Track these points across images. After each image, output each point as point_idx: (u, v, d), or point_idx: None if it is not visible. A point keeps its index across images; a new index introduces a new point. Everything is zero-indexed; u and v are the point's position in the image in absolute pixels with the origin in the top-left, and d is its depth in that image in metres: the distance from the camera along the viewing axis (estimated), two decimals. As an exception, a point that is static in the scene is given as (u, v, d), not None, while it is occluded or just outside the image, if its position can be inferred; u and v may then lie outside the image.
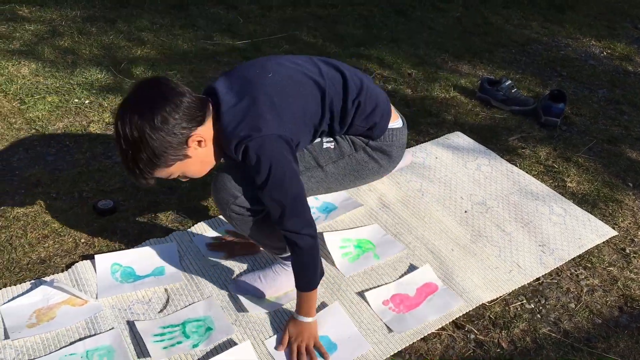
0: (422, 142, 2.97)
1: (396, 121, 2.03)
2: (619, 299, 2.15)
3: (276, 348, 1.84)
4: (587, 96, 3.53)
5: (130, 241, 2.27)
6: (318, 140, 1.92)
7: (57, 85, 3.27)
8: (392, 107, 2.03)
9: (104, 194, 2.48)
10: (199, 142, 1.59)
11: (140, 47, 3.74)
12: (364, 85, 1.87)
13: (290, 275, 1.88)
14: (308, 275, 1.75)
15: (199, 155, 1.63)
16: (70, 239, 2.27)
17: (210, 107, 1.63)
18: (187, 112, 1.54)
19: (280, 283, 2.01)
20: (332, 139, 1.94)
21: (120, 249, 2.22)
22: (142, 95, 1.54)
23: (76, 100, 3.15)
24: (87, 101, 3.15)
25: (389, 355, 1.89)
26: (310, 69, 1.80)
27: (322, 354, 1.81)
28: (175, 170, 1.62)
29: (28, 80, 3.28)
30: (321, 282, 1.86)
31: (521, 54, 4.04)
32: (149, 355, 1.80)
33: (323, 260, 1.97)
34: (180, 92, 1.55)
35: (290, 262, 1.84)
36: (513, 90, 3.32)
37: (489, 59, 3.93)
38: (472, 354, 1.92)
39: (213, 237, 2.26)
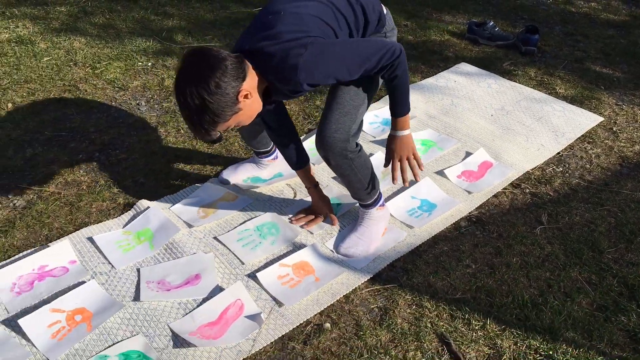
0: (438, 72, 3.67)
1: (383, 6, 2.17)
2: (618, 159, 2.94)
3: (385, 166, 2.16)
4: (547, 32, 4.35)
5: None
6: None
7: (115, 53, 3.70)
8: None
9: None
10: (246, 95, 1.77)
11: (169, 19, 4.20)
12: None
13: (379, 221, 2.31)
14: (408, 99, 2.02)
15: (248, 106, 1.80)
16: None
17: (247, 62, 1.78)
18: (233, 73, 1.70)
19: (376, 233, 2.31)
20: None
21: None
22: (193, 66, 1.69)
23: (140, 63, 3.61)
24: (149, 64, 3.61)
25: (472, 208, 2.57)
26: None
27: (419, 164, 2.13)
28: (232, 122, 1.79)
29: (86, 52, 3.68)
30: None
31: (487, 5, 4.82)
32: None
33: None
34: (223, 58, 1.70)
35: (371, 210, 2.26)
36: (496, 29, 4.09)
37: (464, 9, 4.68)
38: (530, 200, 2.64)
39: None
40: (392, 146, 2.12)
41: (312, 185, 2.37)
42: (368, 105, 2.16)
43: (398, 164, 2.12)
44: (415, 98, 3.35)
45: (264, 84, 1.86)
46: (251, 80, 1.79)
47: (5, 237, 2.32)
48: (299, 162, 2.29)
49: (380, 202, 2.31)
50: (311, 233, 2.37)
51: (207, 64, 1.68)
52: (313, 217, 2.41)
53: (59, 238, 2.30)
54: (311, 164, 2.38)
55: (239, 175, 2.63)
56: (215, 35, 4.00)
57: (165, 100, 3.26)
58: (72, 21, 4.06)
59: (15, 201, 2.50)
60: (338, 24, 1.93)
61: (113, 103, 3.21)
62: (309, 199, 2.50)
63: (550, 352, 1.95)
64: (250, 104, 1.81)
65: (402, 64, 1.92)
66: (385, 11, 2.15)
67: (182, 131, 3.02)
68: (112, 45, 3.77)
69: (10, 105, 3.12)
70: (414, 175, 2.15)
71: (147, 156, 2.82)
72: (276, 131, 2.23)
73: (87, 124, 3.02)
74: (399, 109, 2.04)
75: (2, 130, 2.90)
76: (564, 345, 1.97)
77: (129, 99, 3.25)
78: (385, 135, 2.86)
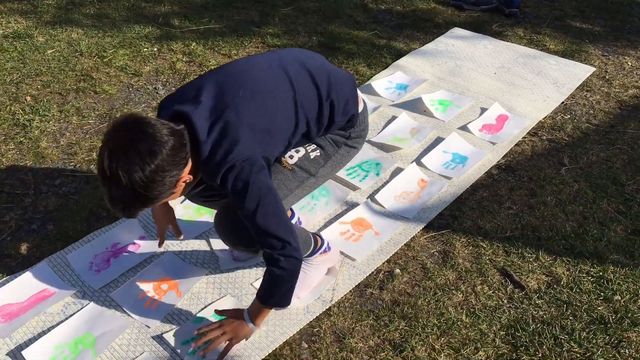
0: (434, 39, 3.85)
1: (360, 103, 1.98)
2: (616, 103, 3.20)
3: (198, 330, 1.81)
4: (524, -6, 4.58)
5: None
6: (303, 152, 1.90)
7: (117, 41, 3.71)
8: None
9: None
10: (185, 180, 1.57)
11: (161, 5, 4.21)
12: (331, 80, 1.82)
13: (319, 265, 2.05)
14: (281, 293, 1.73)
15: (182, 188, 1.61)
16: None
17: (188, 140, 1.55)
18: (173, 160, 1.48)
19: (311, 279, 2.06)
20: (315, 146, 1.92)
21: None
22: (129, 144, 1.44)
23: (145, 49, 3.63)
24: (154, 49, 3.64)
25: (500, 157, 2.76)
26: (279, 76, 1.74)
27: (223, 352, 1.80)
28: (161, 203, 1.63)
29: (88, 42, 3.67)
30: (437, 126, 2.67)
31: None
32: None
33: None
34: (164, 142, 1.46)
35: (309, 257, 1.98)
36: (479, -6, 4.29)
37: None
38: (549, 145, 2.85)
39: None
40: (229, 320, 1.78)
41: None
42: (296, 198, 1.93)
43: (215, 334, 1.76)
44: (422, 62, 3.52)
45: (199, 167, 1.63)
46: (189, 165, 1.57)
47: (62, 221, 2.36)
48: None
49: (322, 250, 2.05)
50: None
51: (146, 146, 1.44)
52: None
53: (117, 220, 2.36)
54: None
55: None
56: (212, 17, 4.05)
57: (181, 83, 3.31)
58: (63, 13, 4.03)
59: (64, 188, 2.53)
60: (296, 122, 1.75)
61: (130, 89, 3.24)
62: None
63: (601, 274, 2.16)
64: (185, 186, 1.61)
65: (289, 275, 1.70)
66: (360, 109, 1.95)
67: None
68: (111, 34, 3.78)
69: (29, 98, 3.11)
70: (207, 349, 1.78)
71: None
72: None
73: (112, 109, 3.05)
74: (268, 295, 1.74)
75: (29, 122, 2.90)
76: (611, 266, 2.19)
77: (145, 84, 3.29)
78: (402, 99, 3.04)
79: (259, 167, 1.60)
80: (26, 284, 2.05)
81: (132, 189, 1.44)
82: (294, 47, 1.75)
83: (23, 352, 1.82)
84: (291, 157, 1.89)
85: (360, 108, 1.96)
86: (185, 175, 1.55)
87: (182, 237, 2.10)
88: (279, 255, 1.64)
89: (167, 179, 1.47)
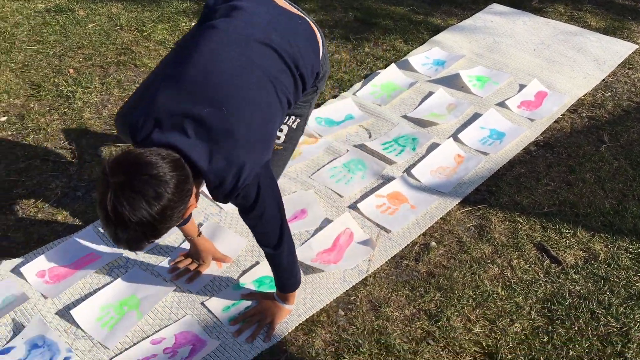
0: (472, 15, 3.80)
1: (320, 46, 1.87)
2: (659, 81, 3.14)
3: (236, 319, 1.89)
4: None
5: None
6: (287, 128, 1.98)
7: (156, 16, 3.75)
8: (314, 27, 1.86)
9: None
10: (189, 207, 1.49)
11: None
12: (295, 50, 1.72)
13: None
14: (295, 276, 1.82)
15: (188, 214, 1.57)
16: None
17: (189, 170, 1.44)
18: (179, 197, 1.39)
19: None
20: (294, 117, 1.99)
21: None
22: (132, 189, 1.33)
23: (183, 24, 3.67)
24: (192, 24, 3.68)
25: (538, 134, 2.74)
26: (254, 75, 1.61)
27: (268, 335, 1.85)
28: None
29: (127, 16, 3.72)
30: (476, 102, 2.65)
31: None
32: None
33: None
34: (167, 180, 1.36)
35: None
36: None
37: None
38: (588, 123, 2.82)
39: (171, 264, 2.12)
40: (265, 304, 1.88)
41: (194, 235, 2.00)
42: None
43: (256, 319, 1.87)
44: (459, 38, 3.48)
45: (200, 184, 1.55)
46: (193, 194, 1.48)
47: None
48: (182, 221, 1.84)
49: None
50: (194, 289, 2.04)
51: (152, 190, 1.33)
52: (194, 263, 2.07)
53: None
54: None
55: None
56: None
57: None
58: (103, -12, 4.08)
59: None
60: (282, 113, 1.72)
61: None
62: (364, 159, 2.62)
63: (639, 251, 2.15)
64: (190, 211, 1.54)
65: (294, 259, 1.78)
66: (321, 56, 1.86)
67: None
68: (150, 8, 3.82)
69: (72, 70, 3.18)
70: (252, 336, 1.85)
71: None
72: None
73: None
74: (282, 286, 1.84)
75: (73, 94, 2.97)
76: (651, 243, 2.17)
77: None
78: (439, 75, 3.02)
79: (266, 181, 1.59)
80: (73, 247, 2.12)
81: (140, 230, 1.36)
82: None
83: (71, 312, 1.90)
84: (278, 138, 1.93)
85: (321, 54, 1.85)
86: (192, 204, 1.48)
87: (231, 260, 2.11)
88: (275, 248, 1.71)
89: (175, 215, 1.40)
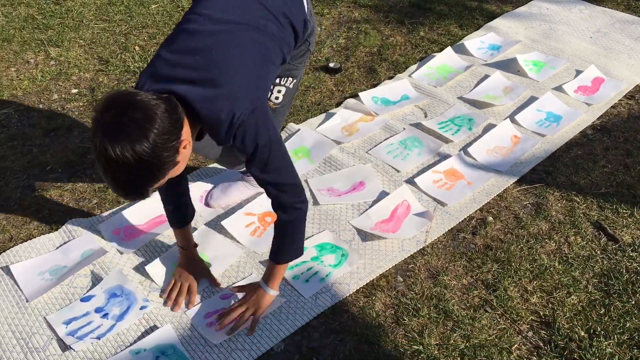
0: (527, 2, 3.80)
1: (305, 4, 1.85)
2: None
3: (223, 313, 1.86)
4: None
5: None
6: (284, 89, 1.98)
7: None
8: None
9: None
10: (185, 145, 1.45)
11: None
12: (283, 13, 1.72)
13: (242, 188, 2.27)
14: (293, 245, 1.78)
15: (184, 156, 1.48)
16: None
17: (177, 102, 1.44)
18: (170, 122, 1.37)
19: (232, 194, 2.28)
20: (291, 79, 1.99)
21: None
22: (122, 117, 1.32)
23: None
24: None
25: (595, 118, 2.75)
26: (253, 33, 1.62)
27: (251, 327, 1.83)
28: (167, 177, 1.46)
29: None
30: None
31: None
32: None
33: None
34: (155, 105, 1.35)
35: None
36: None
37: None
38: (647, 109, 2.81)
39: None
40: (250, 295, 1.86)
41: (188, 246, 1.97)
42: None
43: (238, 312, 1.84)
44: (515, 24, 3.50)
45: (196, 127, 1.57)
46: (186, 126, 1.46)
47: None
48: (182, 220, 1.93)
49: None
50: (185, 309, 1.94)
51: (140, 113, 1.33)
52: (180, 289, 1.94)
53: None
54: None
55: (231, 198, 2.31)
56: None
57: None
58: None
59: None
60: (282, 58, 1.73)
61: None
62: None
63: (699, 232, 2.15)
64: (186, 153, 1.49)
65: (303, 222, 1.77)
66: (306, 8, 1.85)
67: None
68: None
69: (137, 48, 3.32)
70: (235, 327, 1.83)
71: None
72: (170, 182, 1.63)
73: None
74: (284, 253, 1.80)
75: (139, 69, 3.10)
76: None
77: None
78: (495, 59, 3.05)
79: (264, 117, 1.56)
80: (145, 209, 2.24)
81: (139, 162, 1.32)
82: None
83: (146, 267, 2.01)
84: (277, 98, 1.96)
85: (306, 8, 1.85)
86: (185, 139, 1.43)
87: (220, 285, 1.99)
88: (287, 201, 1.67)
89: (170, 143, 1.37)
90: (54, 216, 2.25)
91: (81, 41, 3.39)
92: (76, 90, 2.98)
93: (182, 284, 1.93)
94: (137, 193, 1.41)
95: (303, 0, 1.84)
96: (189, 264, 1.97)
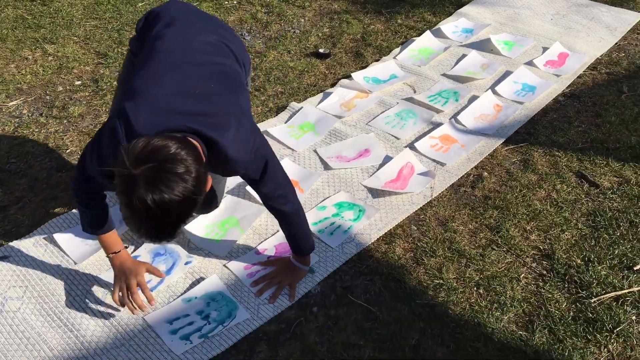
0: (491, -9, 4.13)
1: None
2: (667, 44, 3.49)
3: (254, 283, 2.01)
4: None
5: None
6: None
7: (199, -4, 4.04)
8: None
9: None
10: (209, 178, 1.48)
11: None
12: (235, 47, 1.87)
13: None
14: (306, 237, 1.92)
15: (208, 184, 1.49)
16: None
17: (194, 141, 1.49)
18: (200, 163, 1.40)
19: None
20: None
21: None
22: (161, 163, 1.32)
23: (226, 2, 3.96)
24: (234, 2, 3.97)
25: (565, 87, 3.06)
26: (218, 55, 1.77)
27: (273, 295, 1.96)
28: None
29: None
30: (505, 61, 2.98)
31: None
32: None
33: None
34: (183, 156, 1.36)
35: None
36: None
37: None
38: (607, 77, 3.15)
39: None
40: (283, 268, 2.02)
41: (120, 249, 1.87)
42: None
43: (273, 282, 1.99)
44: (482, 10, 3.82)
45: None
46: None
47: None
48: (109, 222, 1.83)
49: None
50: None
51: (172, 158, 1.33)
52: (131, 290, 1.84)
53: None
54: None
55: None
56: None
57: (264, 30, 3.64)
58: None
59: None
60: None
61: (220, 35, 3.56)
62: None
63: (666, 175, 2.47)
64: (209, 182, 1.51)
65: (304, 218, 1.89)
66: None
67: (291, 52, 3.42)
68: (192, -11, 4.10)
69: (132, 42, 3.45)
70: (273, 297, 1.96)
71: (279, 72, 3.21)
72: (92, 189, 1.73)
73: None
74: (297, 247, 1.95)
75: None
76: (674, 169, 2.50)
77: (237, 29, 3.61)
78: (469, 41, 3.34)
79: (266, 144, 1.71)
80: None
81: (181, 209, 1.35)
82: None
83: (54, 235, 2.15)
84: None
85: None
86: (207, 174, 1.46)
87: (153, 302, 1.88)
88: (286, 204, 1.80)
89: (203, 182, 1.41)
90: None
91: (75, 38, 3.50)
92: (80, 82, 3.10)
93: (130, 285, 1.81)
94: (170, 234, 1.41)
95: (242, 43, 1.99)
96: (125, 264, 1.85)
